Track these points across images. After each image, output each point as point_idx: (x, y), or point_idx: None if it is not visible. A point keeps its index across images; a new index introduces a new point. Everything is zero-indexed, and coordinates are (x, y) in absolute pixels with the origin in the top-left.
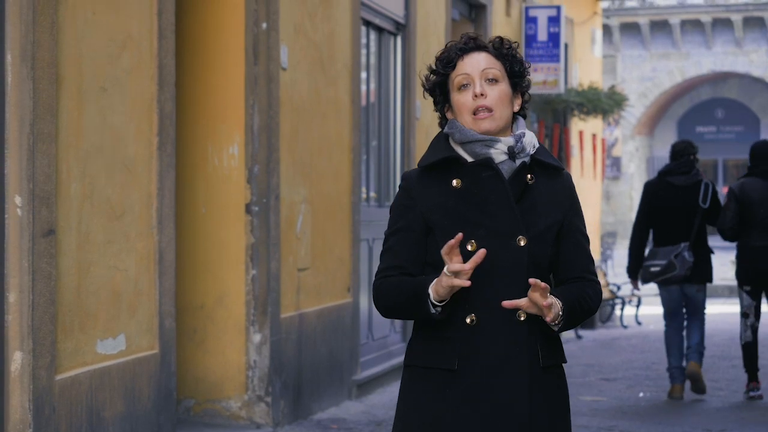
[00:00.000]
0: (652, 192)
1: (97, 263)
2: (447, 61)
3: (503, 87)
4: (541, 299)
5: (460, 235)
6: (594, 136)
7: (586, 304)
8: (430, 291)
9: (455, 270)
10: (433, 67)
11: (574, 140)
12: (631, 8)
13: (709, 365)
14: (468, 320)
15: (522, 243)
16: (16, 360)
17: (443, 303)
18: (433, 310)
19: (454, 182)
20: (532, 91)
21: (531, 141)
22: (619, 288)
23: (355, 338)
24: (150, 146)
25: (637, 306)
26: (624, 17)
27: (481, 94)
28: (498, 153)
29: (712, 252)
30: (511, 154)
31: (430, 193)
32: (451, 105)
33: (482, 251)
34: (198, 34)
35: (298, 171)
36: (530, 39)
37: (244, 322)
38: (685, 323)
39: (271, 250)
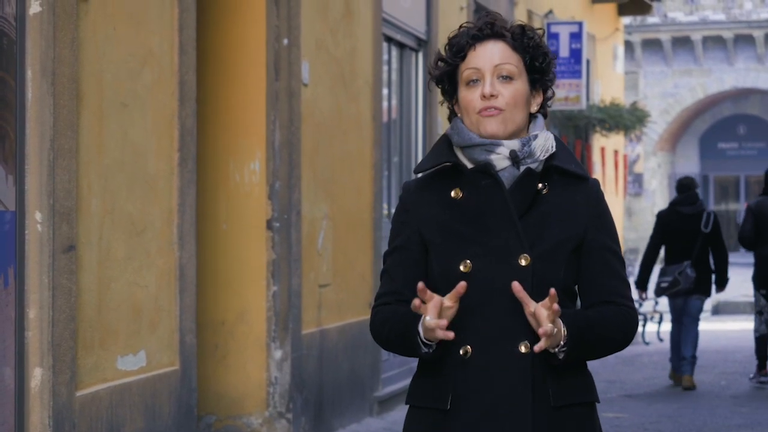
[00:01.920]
0: (664, 219)
1: (117, 279)
2: (457, 50)
3: (519, 86)
4: (544, 320)
5: (451, 290)
6: (616, 152)
7: (605, 330)
8: (420, 329)
9: (430, 327)
10: (443, 53)
11: (596, 156)
12: (653, 25)
13: (731, 381)
14: (461, 352)
15: (524, 262)
16: (36, 376)
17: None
18: (424, 350)
19: (453, 192)
20: (554, 107)
21: (543, 145)
22: (641, 304)
23: (376, 354)
24: (171, 162)
25: (659, 322)
26: (646, 34)
27: (491, 95)
28: (500, 158)
29: (713, 271)
30: (515, 159)
31: (426, 206)
32: (458, 99)
33: (462, 284)
34: (219, 50)
35: (319, 187)
36: None
37: (265, 338)
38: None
39: (293, 266)
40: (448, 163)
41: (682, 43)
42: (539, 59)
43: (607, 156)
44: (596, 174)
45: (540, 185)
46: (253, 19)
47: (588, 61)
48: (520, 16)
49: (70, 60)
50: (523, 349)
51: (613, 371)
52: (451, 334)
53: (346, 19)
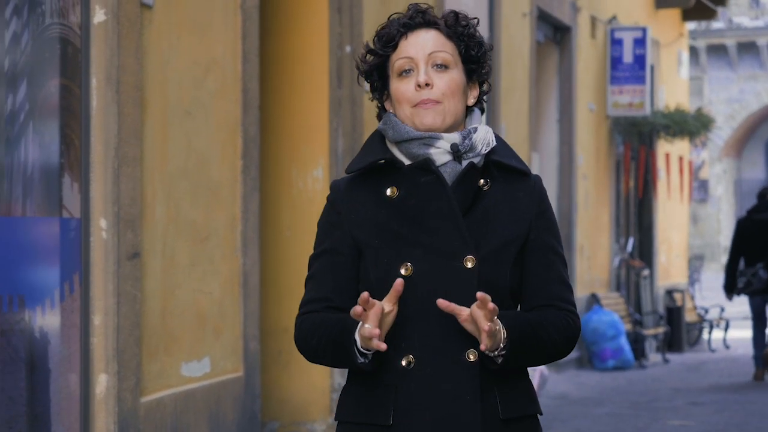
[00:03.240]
0: (741, 226)
1: (181, 286)
2: (387, 40)
3: (454, 75)
4: (482, 320)
5: (391, 294)
6: (681, 158)
7: (546, 334)
8: (357, 337)
9: (366, 335)
10: (371, 45)
11: (660, 163)
12: (717, 30)
13: None
14: (404, 362)
15: (469, 264)
16: (102, 382)
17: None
18: (360, 360)
19: (389, 191)
20: (618, 113)
21: (484, 137)
22: (706, 311)
23: None
24: (234, 169)
25: (725, 329)
26: (711, 39)
27: (426, 84)
28: (440, 153)
29: None
30: (456, 153)
31: (359, 206)
32: (389, 93)
33: (399, 282)
34: (282, 58)
35: None
36: (616, 61)
37: None
38: None
39: None
40: (382, 161)
41: (748, 48)
42: (474, 48)
43: (671, 162)
44: (661, 180)
45: (482, 181)
46: (316, 26)
47: (652, 67)
48: (583, 22)
49: (135, 68)
50: (471, 357)
51: (678, 378)
52: (383, 346)
53: None
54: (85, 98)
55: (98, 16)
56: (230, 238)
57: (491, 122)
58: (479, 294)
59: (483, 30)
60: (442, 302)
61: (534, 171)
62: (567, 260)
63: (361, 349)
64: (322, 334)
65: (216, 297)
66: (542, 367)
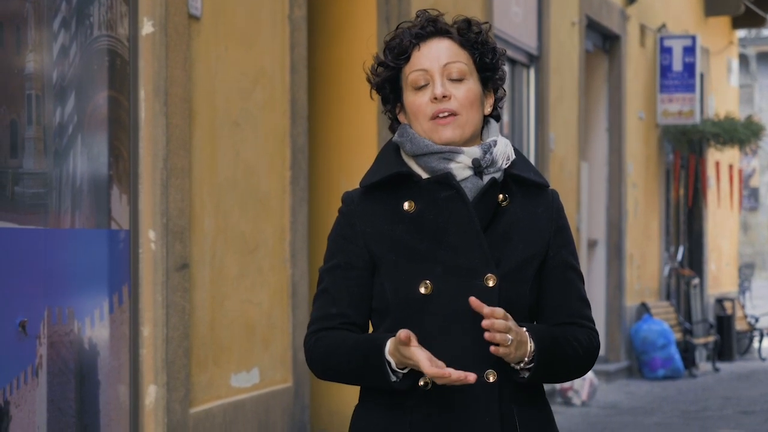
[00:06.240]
0: None
1: (230, 297)
2: (399, 52)
3: (471, 86)
4: (500, 326)
5: (405, 334)
6: (731, 166)
7: (572, 349)
8: (390, 358)
9: (433, 375)
10: (382, 57)
11: (710, 171)
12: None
13: None
14: (422, 382)
15: (491, 283)
16: (151, 394)
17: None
18: (394, 379)
19: (406, 205)
20: (668, 121)
21: (504, 151)
22: (757, 320)
23: None
24: (283, 180)
25: None
26: (761, 46)
27: (444, 96)
28: (460, 167)
29: None
30: (478, 168)
31: (374, 220)
32: (403, 106)
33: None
34: (330, 68)
35: None
36: (665, 69)
37: None
38: None
39: None
40: (401, 172)
41: None
42: (489, 55)
43: (721, 170)
44: (711, 189)
45: (501, 196)
46: (364, 36)
47: (702, 75)
48: (632, 30)
49: (183, 80)
50: (491, 378)
51: (728, 387)
52: (473, 376)
53: None
54: (134, 110)
55: (146, 27)
56: (279, 249)
57: (540, 132)
58: (495, 310)
59: (532, 39)
60: (474, 300)
61: (583, 180)
62: (617, 270)
63: (396, 369)
64: (344, 354)
65: (265, 308)
66: (592, 377)
